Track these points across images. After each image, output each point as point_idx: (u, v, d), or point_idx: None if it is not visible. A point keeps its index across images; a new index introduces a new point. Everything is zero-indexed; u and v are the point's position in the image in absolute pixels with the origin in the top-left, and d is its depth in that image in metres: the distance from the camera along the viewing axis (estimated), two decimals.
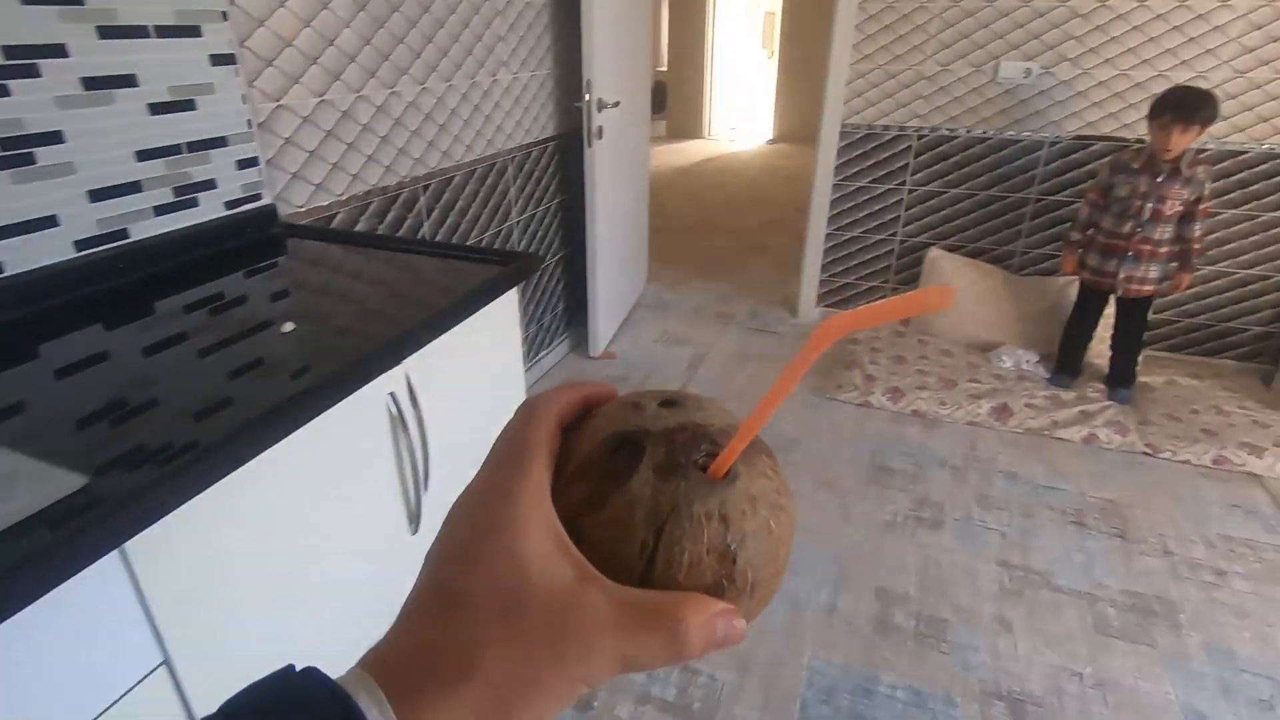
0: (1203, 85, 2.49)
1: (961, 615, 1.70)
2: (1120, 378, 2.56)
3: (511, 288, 1.27)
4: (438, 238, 2.02)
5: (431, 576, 0.24)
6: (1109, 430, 2.40)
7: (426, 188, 1.94)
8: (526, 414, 0.28)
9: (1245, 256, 2.68)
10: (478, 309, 1.17)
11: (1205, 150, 2.56)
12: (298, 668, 0.22)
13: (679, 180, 6.40)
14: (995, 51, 2.67)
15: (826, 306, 3.33)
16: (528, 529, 0.24)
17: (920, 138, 2.87)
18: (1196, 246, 2.30)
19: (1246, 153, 2.54)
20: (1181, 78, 2.49)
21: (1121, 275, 2.36)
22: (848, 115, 2.94)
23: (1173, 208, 2.24)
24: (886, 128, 2.90)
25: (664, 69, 8.41)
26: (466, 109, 2.05)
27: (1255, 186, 2.57)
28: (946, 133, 2.84)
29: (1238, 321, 2.78)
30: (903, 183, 2.98)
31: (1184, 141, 2.14)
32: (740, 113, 9.12)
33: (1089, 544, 1.94)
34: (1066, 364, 2.65)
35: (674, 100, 8.44)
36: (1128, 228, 2.31)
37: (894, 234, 3.08)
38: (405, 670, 0.22)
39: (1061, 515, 2.05)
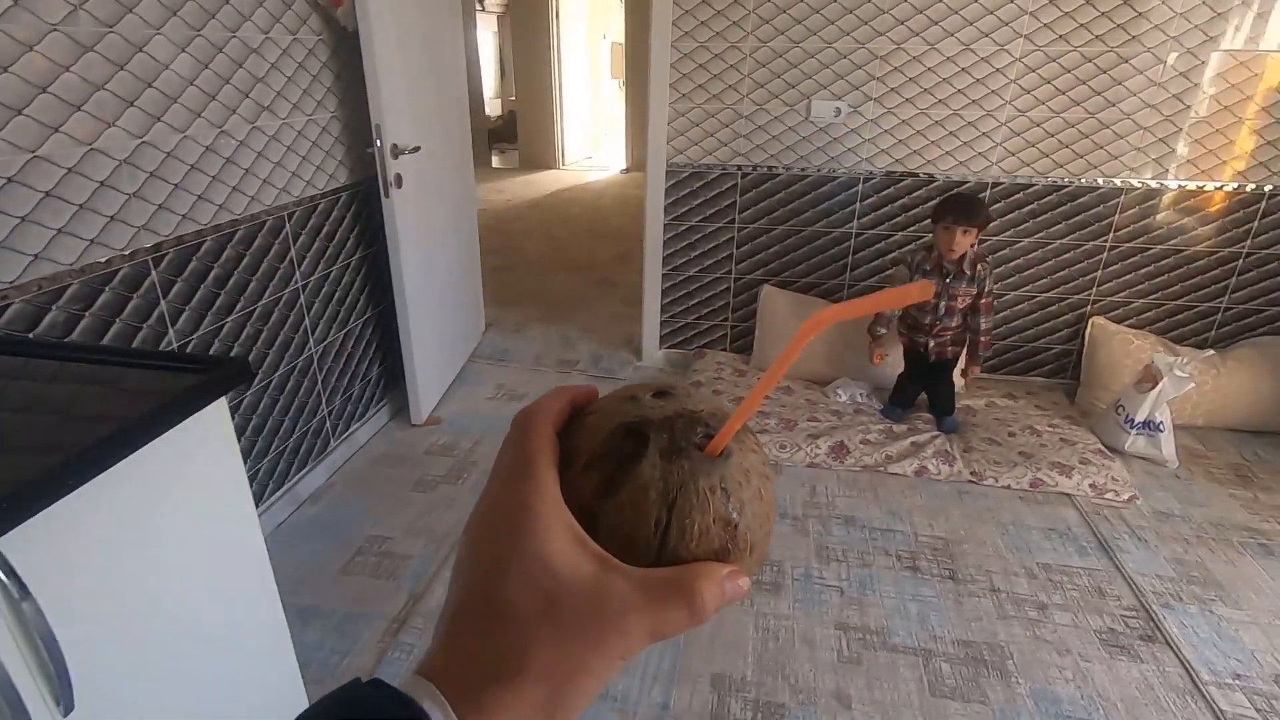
0: (991, 122, 2.64)
1: (800, 696, 1.59)
2: (943, 408, 2.63)
3: (208, 404, 1.00)
4: (180, 320, 1.69)
5: (469, 590, 0.27)
6: (937, 461, 2.43)
7: (160, 260, 1.61)
8: (521, 427, 0.30)
9: (1042, 281, 2.85)
10: (147, 441, 0.90)
11: (998, 185, 2.71)
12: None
13: (529, 214, 6.20)
14: (807, 91, 2.69)
15: (669, 348, 3.24)
16: (549, 533, 0.27)
17: (744, 175, 2.85)
18: (984, 339, 2.48)
19: (1034, 185, 2.70)
20: (974, 116, 2.62)
21: (931, 345, 2.52)
22: (672, 154, 2.87)
23: (963, 302, 2.43)
24: (710, 166, 2.86)
25: (514, 99, 8.21)
26: (212, 162, 1.74)
27: (1044, 216, 2.74)
28: (768, 170, 2.83)
29: (1041, 341, 2.95)
30: (732, 220, 2.94)
31: (965, 242, 2.31)
32: (595, 142, 9.09)
33: (923, 590, 1.91)
34: (898, 397, 2.68)
35: (524, 130, 8.26)
36: (927, 320, 2.47)
37: (728, 271, 3.04)
38: (462, 674, 0.25)
39: (897, 561, 2.02)
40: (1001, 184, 2.71)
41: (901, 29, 2.55)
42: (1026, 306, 2.90)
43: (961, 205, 2.32)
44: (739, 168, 2.84)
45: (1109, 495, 2.30)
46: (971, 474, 2.39)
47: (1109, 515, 2.22)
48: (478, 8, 8.24)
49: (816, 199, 2.85)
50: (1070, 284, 2.83)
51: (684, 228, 2.98)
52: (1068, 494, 2.32)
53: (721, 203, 2.91)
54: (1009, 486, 2.35)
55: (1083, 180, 2.66)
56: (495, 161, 8.61)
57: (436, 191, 2.64)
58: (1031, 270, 2.83)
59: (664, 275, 3.08)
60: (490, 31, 9.05)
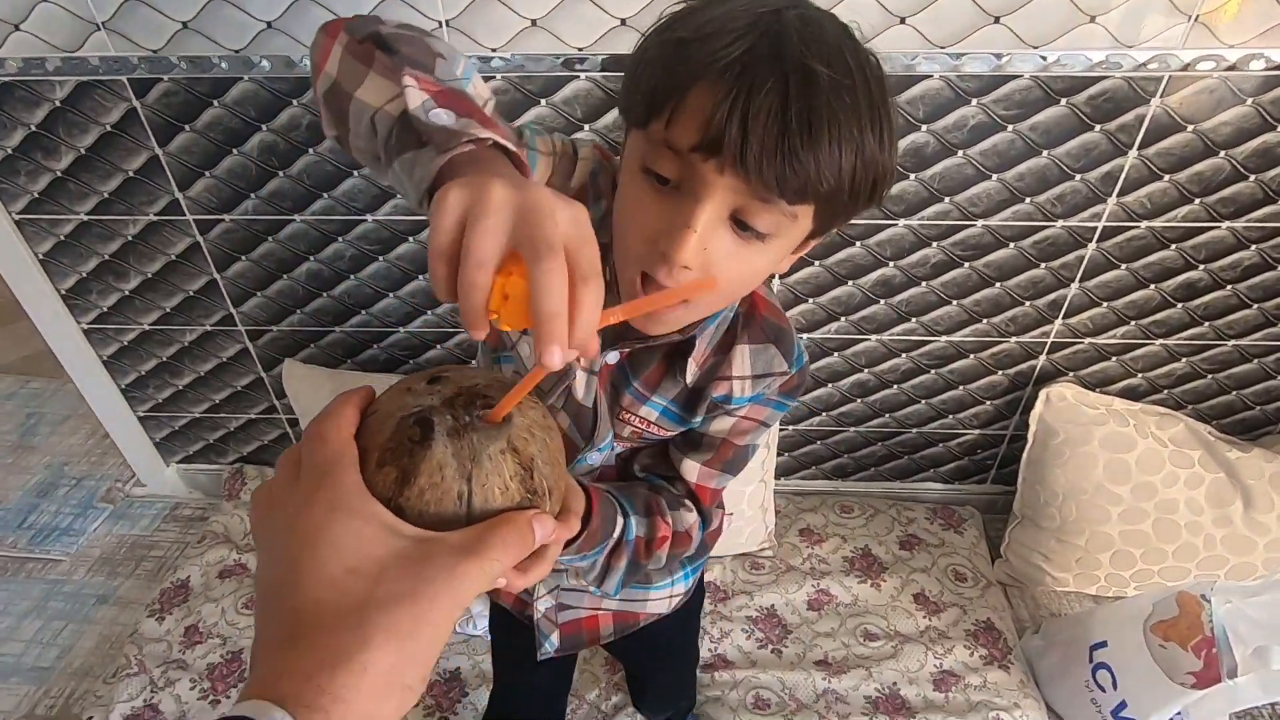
0: None
1: None
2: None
3: None
4: None
5: (279, 611, 0.27)
6: None
7: None
8: (316, 439, 0.31)
9: (947, 308, 1.22)
10: None
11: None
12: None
13: None
14: None
15: (187, 463, 1.53)
16: (363, 524, 0.28)
17: (142, 85, 1.01)
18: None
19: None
20: None
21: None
22: None
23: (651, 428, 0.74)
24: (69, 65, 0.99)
25: None
26: None
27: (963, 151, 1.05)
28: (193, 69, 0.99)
29: (934, 425, 1.38)
30: (169, 192, 1.13)
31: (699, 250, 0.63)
32: None
33: None
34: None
35: None
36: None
37: (220, 298, 1.27)
38: (298, 674, 0.25)
39: None
40: None
41: None
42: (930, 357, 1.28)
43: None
44: (117, 63, 0.99)
45: None
46: None
47: None
48: None
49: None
50: (1005, 313, 1.21)
51: (61, 218, 1.16)
52: None
53: (122, 152, 1.09)
54: None
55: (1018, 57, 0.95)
56: None
57: None
58: (906, 295, 1.19)
59: (93, 329, 1.30)
60: None
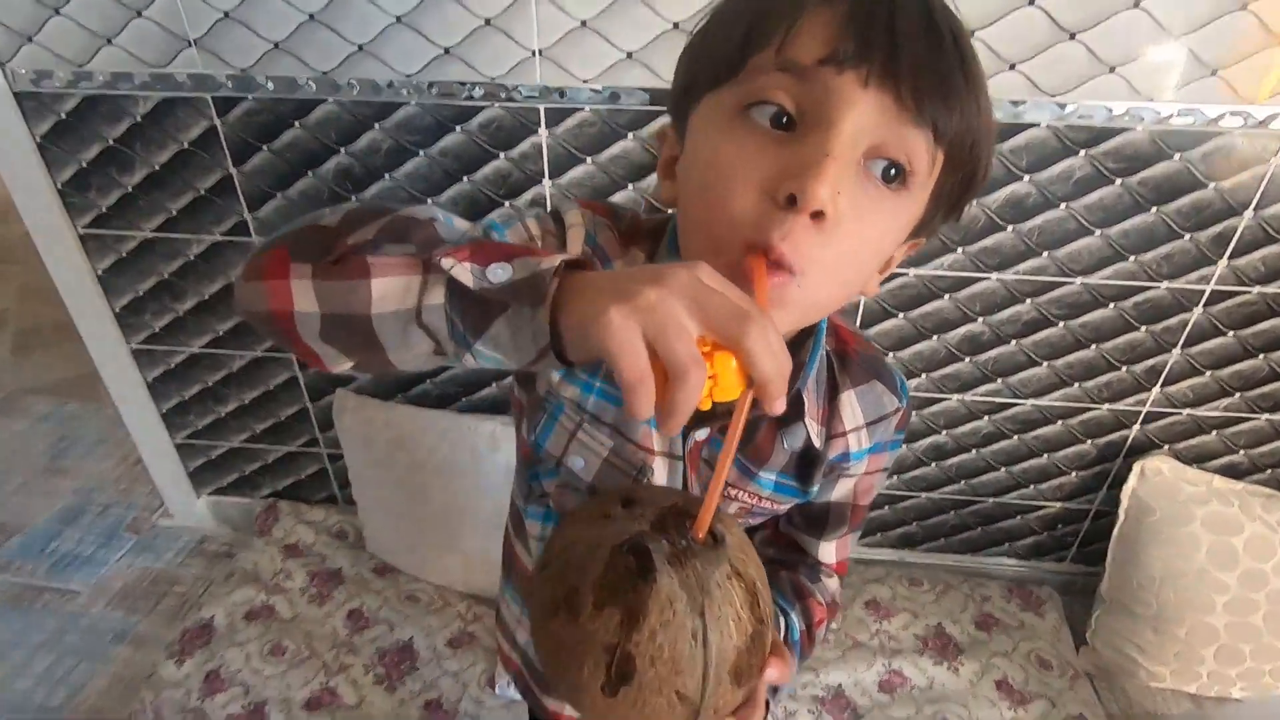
0: None
1: None
2: None
3: None
4: None
5: None
6: None
7: None
8: None
9: (1024, 373, 1.15)
10: None
11: None
12: None
13: None
14: None
15: (219, 494, 1.46)
16: None
17: (226, 102, 1.00)
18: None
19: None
20: None
21: None
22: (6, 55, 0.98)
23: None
24: (123, 80, 0.98)
25: None
26: None
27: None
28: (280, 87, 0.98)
29: (1015, 495, 1.29)
30: (237, 206, 1.10)
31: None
32: None
33: None
34: None
35: None
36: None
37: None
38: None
39: None
40: None
41: None
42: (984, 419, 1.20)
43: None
44: (204, 80, 0.98)
45: None
46: None
47: None
48: None
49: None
50: (1099, 378, 1.14)
51: (127, 235, 1.14)
52: None
53: (197, 170, 1.07)
54: None
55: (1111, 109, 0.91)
56: None
57: None
58: (987, 355, 1.12)
59: (141, 350, 1.26)
60: None
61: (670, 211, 0.46)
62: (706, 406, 0.29)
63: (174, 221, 1.11)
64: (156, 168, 1.06)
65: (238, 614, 1.23)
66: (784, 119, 0.36)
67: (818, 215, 0.34)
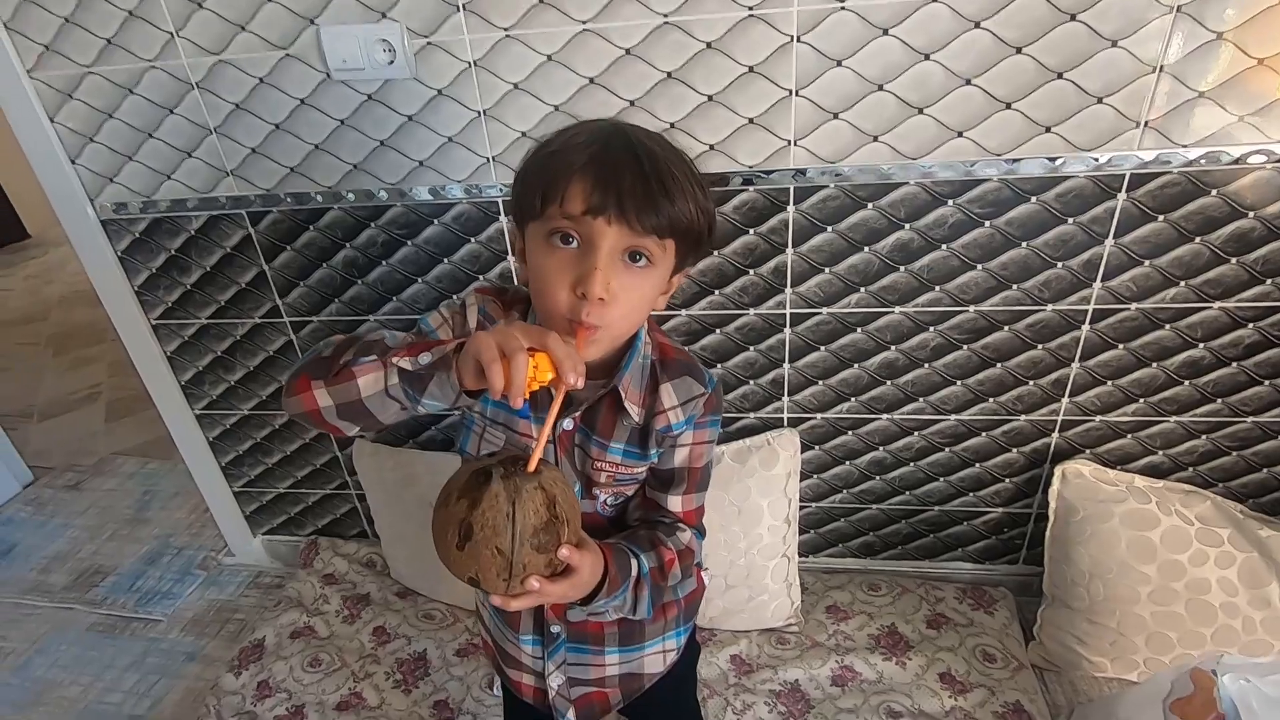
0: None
1: None
2: None
3: None
4: None
5: None
6: None
7: None
8: None
9: (950, 388, 1.29)
10: None
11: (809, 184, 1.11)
12: None
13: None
14: (306, 10, 1.07)
15: (272, 535, 1.72)
16: None
17: (258, 215, 1.26)
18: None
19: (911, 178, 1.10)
20: None
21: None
22: (96, 192, 1.27)
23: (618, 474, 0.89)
24: (182, 204, 1.26)
25: None
26: None
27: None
28: (298, 200, 1.24)
29: (956, 504, 1.41)
30: (269, 293, 1.36)
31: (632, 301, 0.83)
32: None
33: None
34: None
35: None
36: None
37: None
38: None
39: None
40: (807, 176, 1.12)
41: None
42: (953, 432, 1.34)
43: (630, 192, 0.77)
44: (240, 200, 1.25)
45: None
46: None
47: None
48: None
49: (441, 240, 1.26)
50: (1011, 393, 1.27)
51: (188, 322, 1.41)
52: None
53: (238, 269, 1.33)
54: None
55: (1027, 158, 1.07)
56: None
57: None
58: (909, 376, 1.27)
59: (203, 414, 1.53)
60: None
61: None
62: (535, 386, 0.52)
63: (223, 310, 1.38)
64: (208, 269, 1.33)
65: (284, 634, 1.46)
66: (572, 241, 0.61)
67: (600, 299, 0.59)
